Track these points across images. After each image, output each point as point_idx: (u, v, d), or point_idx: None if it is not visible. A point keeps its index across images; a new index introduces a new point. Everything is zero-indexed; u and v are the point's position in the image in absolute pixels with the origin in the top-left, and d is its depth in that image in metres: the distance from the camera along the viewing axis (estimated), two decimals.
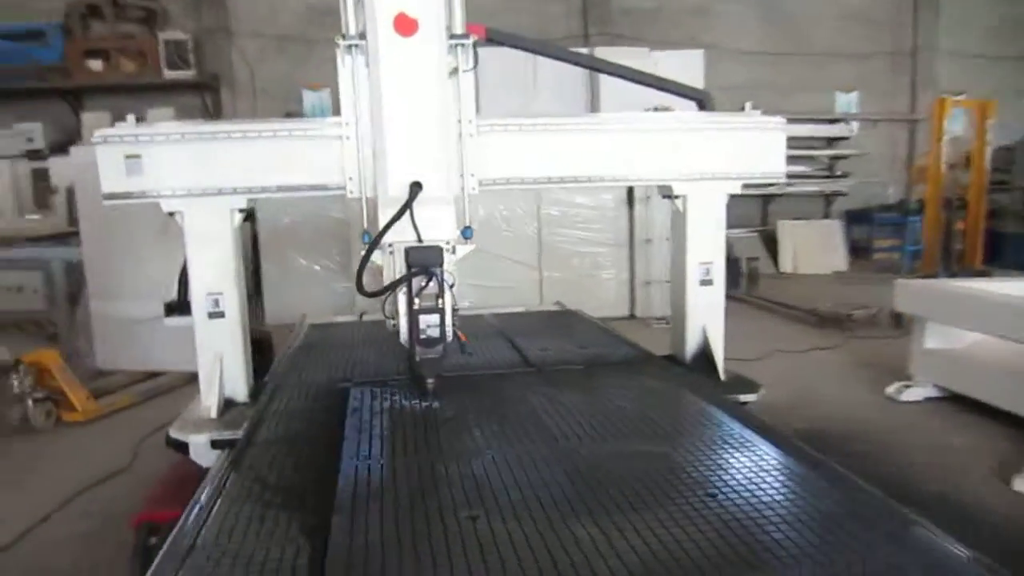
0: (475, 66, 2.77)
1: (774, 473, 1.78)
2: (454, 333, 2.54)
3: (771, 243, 10.70)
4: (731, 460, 1.88)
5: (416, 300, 2.41)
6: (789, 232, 10.37)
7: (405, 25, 2.53)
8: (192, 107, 9.40)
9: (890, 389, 4.56)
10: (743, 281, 8.20)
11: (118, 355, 5.55)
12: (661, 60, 7.25)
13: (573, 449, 1.98)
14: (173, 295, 2.99)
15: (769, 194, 10.97)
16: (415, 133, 2.58)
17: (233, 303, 2.87)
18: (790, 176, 10.67)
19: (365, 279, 2.44)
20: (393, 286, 2.45)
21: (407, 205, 2.51)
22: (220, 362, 2.87)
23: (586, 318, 4.11)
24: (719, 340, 3.18)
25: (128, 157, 2.74)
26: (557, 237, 6.86)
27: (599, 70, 3.34)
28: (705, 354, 3.16)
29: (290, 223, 7.22)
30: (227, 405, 2.86)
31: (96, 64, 8.79)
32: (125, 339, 5.46)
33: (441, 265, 2.45)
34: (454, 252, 2.67)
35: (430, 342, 2.42)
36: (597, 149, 2.99)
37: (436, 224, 2.60)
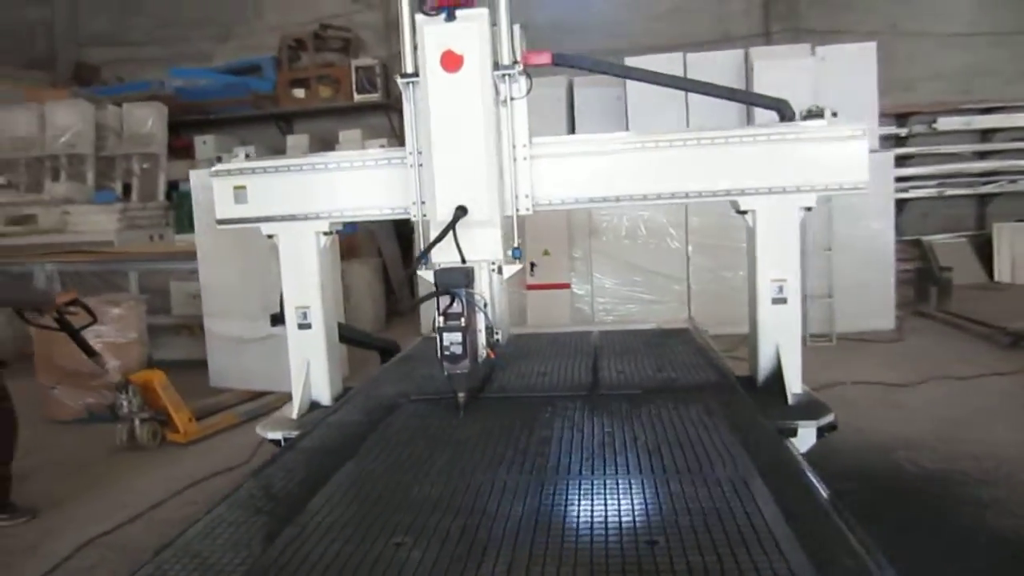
0: (528, 93, 2.92)
1: (731, 522, 1.70)
2: (491, 348, 2.71)
3: (987, 248, 9.50)
4: (699, 504, 1.81)
5: (442, 319, 2.61)
6: (1007, 236, 9.15)
7: (451, 62, 2.76)
8: (380, 127, 10.35)
9: None
10: (933, 294, 7.42)
11: (229, 373, 5.79)
12: (828, 56, 6.81)
13: (544, 481, 1.99)
14: (277, 308, 3.44)
15: (987, 193, 9.77)
16: (461, 159, 2.79)
17: (319, 315, 3.26)
18: (1013, 172, 9.61)
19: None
20: (418, 303, 2.68)
21: (449, 227, 2.74)
22: (307, 368, 3.28)
23: (695, 338, 4.01)
24: (794, 361, 3.03)
25: (236, 188, 3.25)
26: (706, 248, 6.70)
27: (667, 84, 3.29)
28: (778, 376, 3.04)
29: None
30: (313, 408, 3.27)
31: (299, 92, 10.02)
32: (235, 358, 5.73)
33: (468, 286, 2.63)
34: (500, 272, 2.87)
35: (454, 359, 2.61)
36: (656, 166, 3.00)
37: (481, 245, 2.82)
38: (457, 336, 2.58)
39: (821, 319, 6.48)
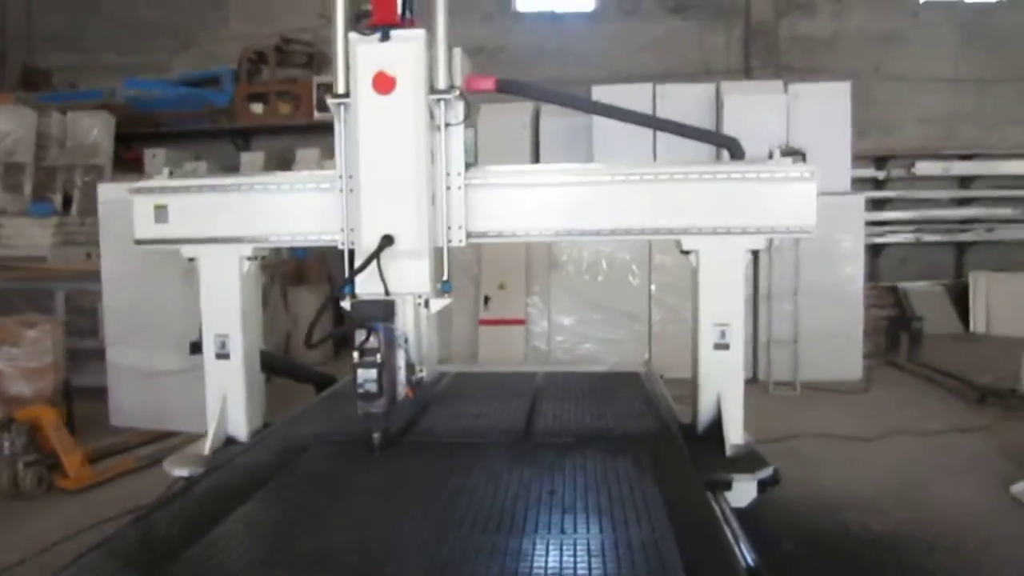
0: (465, 119, 2.94)
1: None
2: (418, 386, 2.70)
3: (964, 297, 9.65)
4: (602, 569, 1.80)
5: (356, 354, 2.58)
6: (983, 285, 9.31)
7: (383, 83, 2.77)
8: None
9: (1017, 488, 4.01)
10: (904, 342, 7.51)
11: (133, 410, 5.31)
12: (801, 94, 6.95)
13: (442, 538, 1.97)
14: (197, 335, 3.37)
15: (965, 241, 9.96)
16: (390, 186, 2.80)
17: (238, 345, 3.22)
18: (992, 220, 9.82)
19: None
20: (327, 338, 2.65)
21: (372, 256, 2.73)
22: (224, 401, 3.23)
23: (644, 383, 4.03)
24: (735, 410, 3.04)
25: (157, 207, 3.22)
26: (669, 288, 6.73)
27: (614, 117, 3.32)
28: (719, 425, 3.04)
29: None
30: (228, 444, 3.22)
31: (258, 107, 10.00)
32: (140, 393, 5.27)
33: (387, 320, 2.61)
34: (426, 306, 2.85)
35: (368, 397, 2.57)
36: (598, 200, 3.02)
37: (408, 277, 2.80)
38: (372, 373, 2.56)
39: (785, 366, 6.51)
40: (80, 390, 5.34)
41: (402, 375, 2.69)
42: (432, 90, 2.83)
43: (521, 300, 6.78)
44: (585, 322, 6.79)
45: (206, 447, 3.13)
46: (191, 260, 3.24)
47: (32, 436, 4.26)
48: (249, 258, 3.23)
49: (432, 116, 2.87)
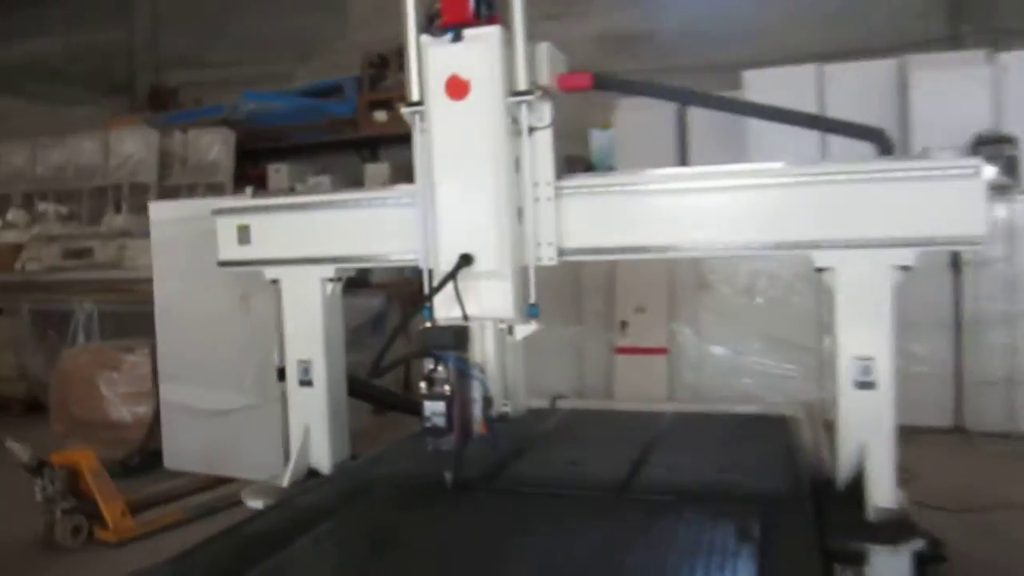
0: (552, 122, 3.02)
1: None
2: (491, 426, 2.80)
3: None
4: None
5: (424, 384, 2.71)
6: None
7: (457, 88, 2.91)
8: None
9: None
10: None
11: (187, 454, 5.32)
12: (1014, 66, 6.45)
13: None
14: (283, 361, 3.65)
15: None
16: (467, 200, 2.93)
17: (321, 372, 3.47)
18: None
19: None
20: (394, 365, 2.78)
21: (448, 278, 2.86)
22: (307, 431, 3.48)
23: (793, 428, 3.90)
24: (881, 464, 2.83)
25: (240, 228, 3.54)
26: None
27: (726, 110, 3.28)
28: (861, 482, 2.89)
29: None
30: (310, 477, 3.46)
31: (381, 115, 10.55)
32: (195, 434, 5.28)
33: (458, 348, 2.72)
34: (510, 333, 2.95)
35: (435, 432, 2.69)
36: (704, 210, 3.00)
37: (488, 301, 2.92)
38: (440, 406, 2.67)
39: (997, 413, 6.00)
40: None
41: (477, 409, 2.79)
42: (512, 92, 2.91)
43: (663, 325, 6.71)
44: (741, 352, 6.62)
45: (285, 479, 3.38)
46: (274, 282, 3.51)
47: (72, 481, 4.31)
48: (331, 279, 3.47)
49: (515, 121, 2.95)
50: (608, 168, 7.95)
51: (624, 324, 6.74)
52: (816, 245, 2.93)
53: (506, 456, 3.37)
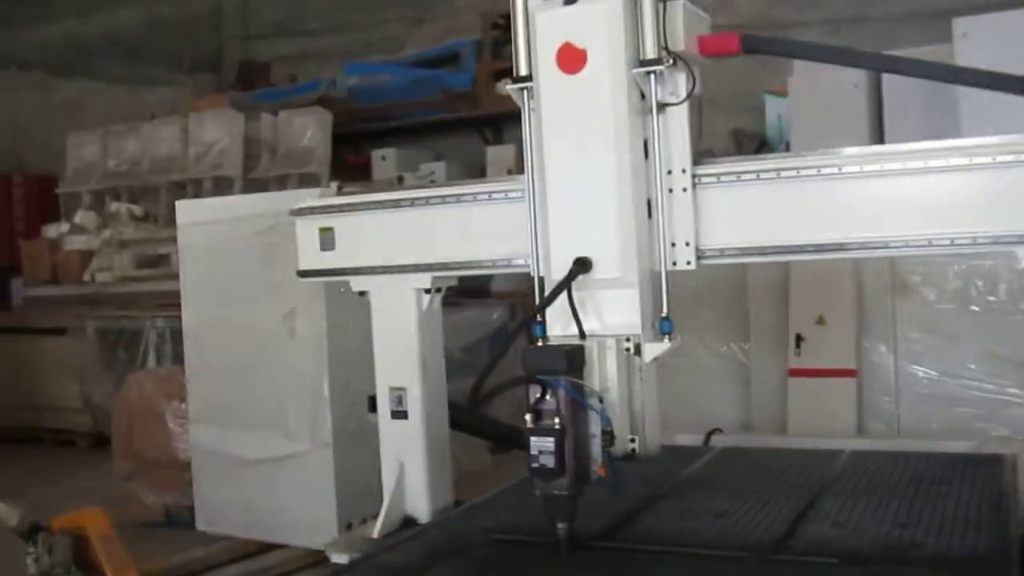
0: (689, 95, 3.03)
1: None
2: (613, 468, 2.81)
3: None
4: None
5: (529, 417, 2.75)
6: None
7: (571, 58, 2.97)
8: None
9: None
10: None
11: (222, 512, 5.13)
12: None
13: None
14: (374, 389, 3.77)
15: None
16: (583, 193, 2.99)
17: (417, 401, 3.59)
18: None
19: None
20: (497, 392, 2.84)
21: (561, 287, 2.92)
22: (402, 471, 3.61)
23: (1009, 471, 3.79)
24: None
25: (322, 231, 3.70)
26: None
27: (907, 73, 3.18)
28: None
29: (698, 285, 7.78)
30: (406, 525, 3.59)
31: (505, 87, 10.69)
32: (233, 489, 5.06)
33: (571, 371, 2.75)
34: (637, 353, 2.98)
35: (543, 473, 2.72)
36: (878, 199, 2.93)
37: (610, 314, 2.98)
38: (549, 443, 2.70)
39: None
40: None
41: (595, 447, 2.81)
42: (639, 61, 2.95)
43: (850, 341, 6.53)
44: (953, 374, 6.36)
45: (376, 529, 3.50)
46: (362, 295, 3.66)
47: (78, 548, 4.11)
48: (428, 290, 3.57)
49: (642, 96, 2.99)
50: (785, 145, 7.82)
51: (800, 339, 6.61)
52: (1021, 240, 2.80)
53: (634, 506, 3.39)
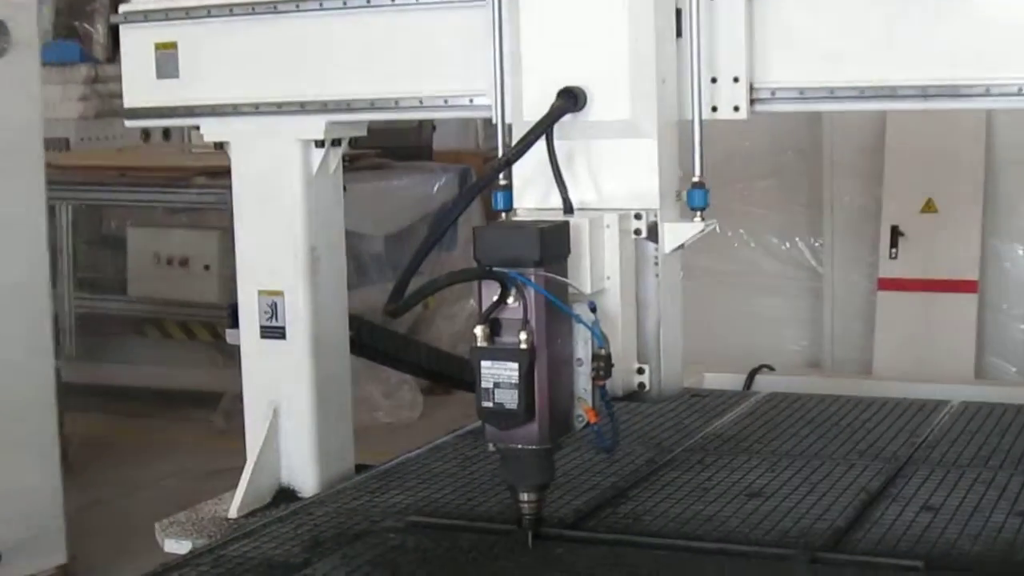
0: None
1: None
2: (608, 412, 2.76)
3: None
4: None
5: (481, 331, 2.64)
6: None
7: None
8: None
9: None
10: None
11: None
12: None
13: None
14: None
15: None
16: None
17: (301, 314, 3.47)
18: None
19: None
20: (422, 295, 2.71)
21: (538, 133, 2.80)
22: (275, 419, 3.52)
23: None
24: None
25: (160, 48, 3.54)
26: None
27: None
28: None
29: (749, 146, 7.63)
30: (280, 500, 3.53)
31: None
32: None
33: (546, 263, 2.62)
34: (651, 238, 2.91)
35: (501, 417, 2.64)
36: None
37: (609, 177, 2.90)
38: (510, 370, 2.61)
39: None
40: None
41: (582, 379, 2.75)
42: None
43: (971, 239, 6.53)
44: None
45: (233, 506, 3.43)
46: (219, 147, 3.52)
47: None
48: (320, 143, 3.43)
49: None
50: None
51: (898, 235, 6.60)
52: None
53: (631, 475, 3.36)
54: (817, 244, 6.93)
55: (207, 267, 7.78)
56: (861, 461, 3.58)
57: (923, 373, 5.93)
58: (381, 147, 7.82)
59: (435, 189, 7.54)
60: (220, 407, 7.68)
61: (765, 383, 4.72)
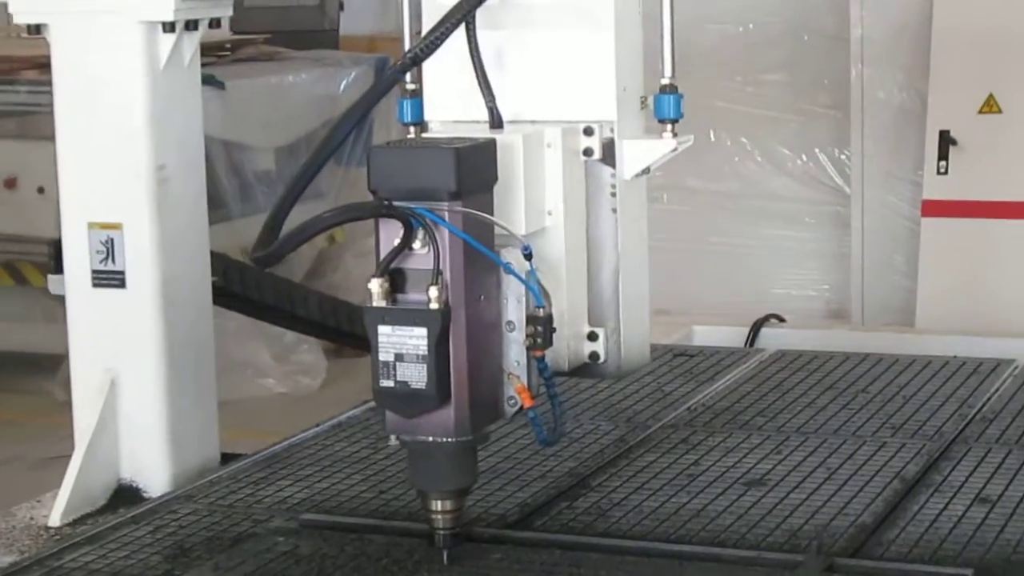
0: None
1: None
2: (549, 391, 2.77)
3: None
4: None
5: (377, 285, 2.61)
6: None
7: None
8: None
9: None
10: None
11: None
12: None
13: None
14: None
15: None
16: None
17: (146, 255, 3.45)
18: None
19: None
20: (313, 235, 2.68)
21: (459, 18, 2.75)
22: (111, 393, 3.49)
23: None
24: None
25: None
26: None
27: None
28: None
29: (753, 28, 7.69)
30: (122, 497, 3.52)
31: None
32: None
33: (465, 195, 2.61)
34: (606, 160, 2.90)
35: (406, 400, 2.64)
36: None
37: (551, 77, 2.90)
38: (416, 338, 2.60)
39: None
40: None
41: (514, 350, 2.76)
42: None
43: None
44: None
45: (55, 511, 3.41)
46: (34, 31, 3.51)
47: None
48: (170, 26, 3.40)
49: None
50: None
51: (949, 143, 6.59)
52: None
53: (595, 457, 3.41)
54: (843, 156, 6.95)
55: (41, 190, 7.63)
56: (895, 439, 3.64)
57: (979, 325, 6.01)
58: (272, 32, 7.84)
59: (342, 87, 7.56)
60: (60, 373, 7.52)
61: (773, 338, 4.76)
